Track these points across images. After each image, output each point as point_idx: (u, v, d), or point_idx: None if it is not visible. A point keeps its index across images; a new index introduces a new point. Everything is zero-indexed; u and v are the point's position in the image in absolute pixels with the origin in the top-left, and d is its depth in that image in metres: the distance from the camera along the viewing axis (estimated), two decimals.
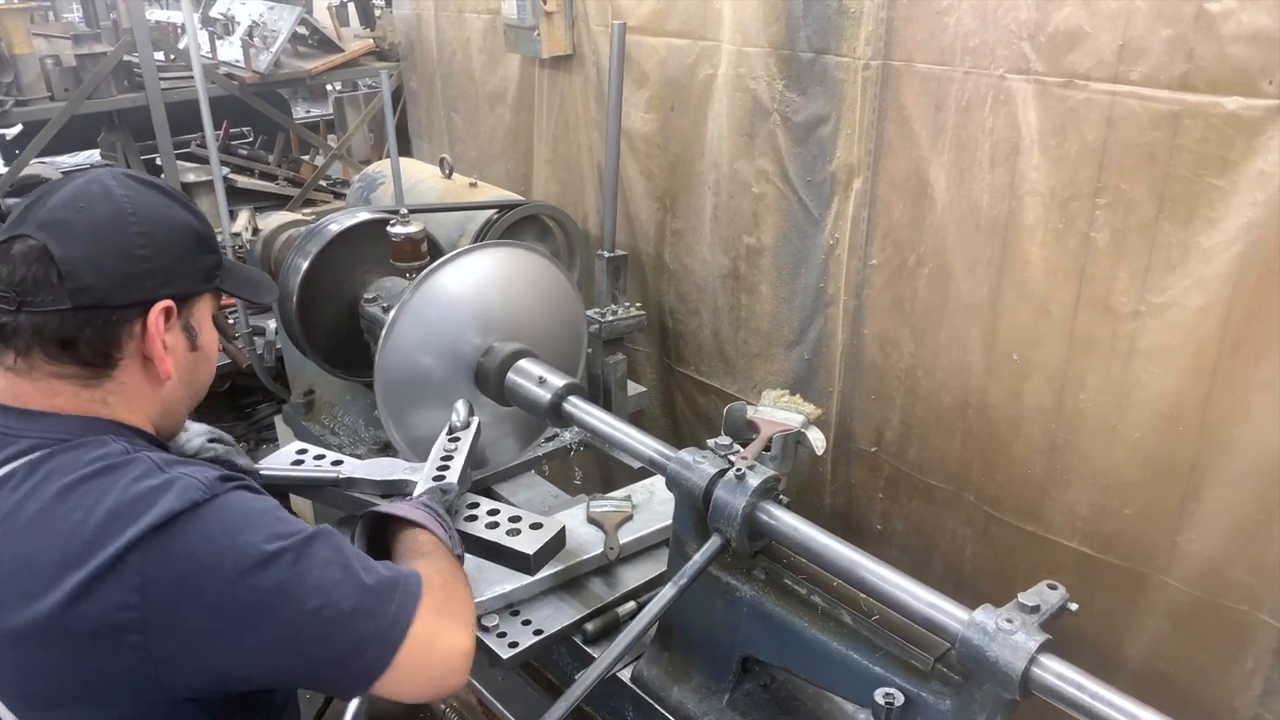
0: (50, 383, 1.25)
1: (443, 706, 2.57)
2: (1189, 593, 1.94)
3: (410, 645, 1.23)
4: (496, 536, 1.72)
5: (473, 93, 3.83)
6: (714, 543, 1.59)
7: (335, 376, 2.62)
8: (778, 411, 1.85)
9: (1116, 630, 2.07)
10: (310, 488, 1.89)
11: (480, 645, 1.89)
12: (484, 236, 2.88)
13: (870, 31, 2.21)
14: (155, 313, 1.28)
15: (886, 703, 1.40)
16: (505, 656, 1.83)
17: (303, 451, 1.92)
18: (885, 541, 2.58)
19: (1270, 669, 1.87)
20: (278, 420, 3.54)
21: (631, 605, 1.97)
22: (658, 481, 2.08)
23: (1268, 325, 1.71)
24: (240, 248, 3.22)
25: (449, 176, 3.13)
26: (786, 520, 1.55)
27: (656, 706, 1.77)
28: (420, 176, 3.24)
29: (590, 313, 2.58)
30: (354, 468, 1.85)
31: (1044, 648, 1.25)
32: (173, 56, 4.62)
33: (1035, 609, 1.30)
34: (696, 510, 1.63)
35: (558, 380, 1.97)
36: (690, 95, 2.76)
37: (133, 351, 1.29)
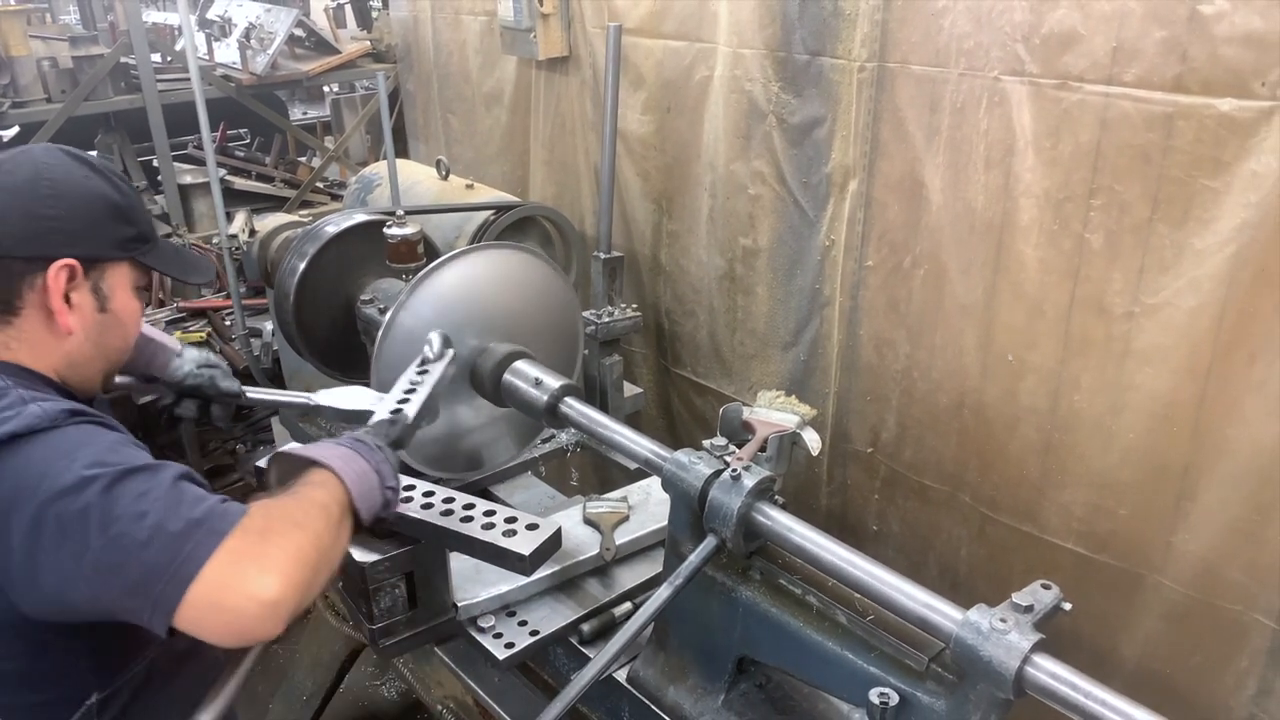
0: None
1: (438, 706, 2.57)
2: (1184, 593, 1.94)
3: (200, 585, 1.21)
4: (493, 537, 1.72)
5: (469, 94, 3.84)
6: (709, 543, 1.59)
7: (332, 378, 2.61)
8: (773, 412, 1.85)
9: (1112, 630, 2.08)
10: (286, 409, 2.04)
11: (477, 646, 1.89)
12: (481, 238, 2.88)
13: (865, 33, 2.22)
14: (55, 269, 1.38)
15: (881, 702, 1.40)
16: (501, 657, 1.83)
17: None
18: (881, 542, 2.58)
19: (1265, 669, 1.87)
20: (274, 422, 3.55)
21: (627, 606, 1.97)
22: (654, 482, 2.08)
23: (1261, 326, 1.71)
24: (237, 249, 3.23)
25: (445, 178, 3.13)
26: (781, 521, 1.55)
27: (652, 707, 1.77)
28: (417, 178, 3.24)
29: (587, 314, 2.58)
30: (324, 397, 1.97)
31: (1038, 647, 1.26)
32: (170, 58, 4.62)
33: (1029, 609, 1.30)
34: (692, 511, 1.64)
35: (554, 381, 1.97)
36: (686, 97, 2.76)
37: (34, 303, 1.39)
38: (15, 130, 4.47)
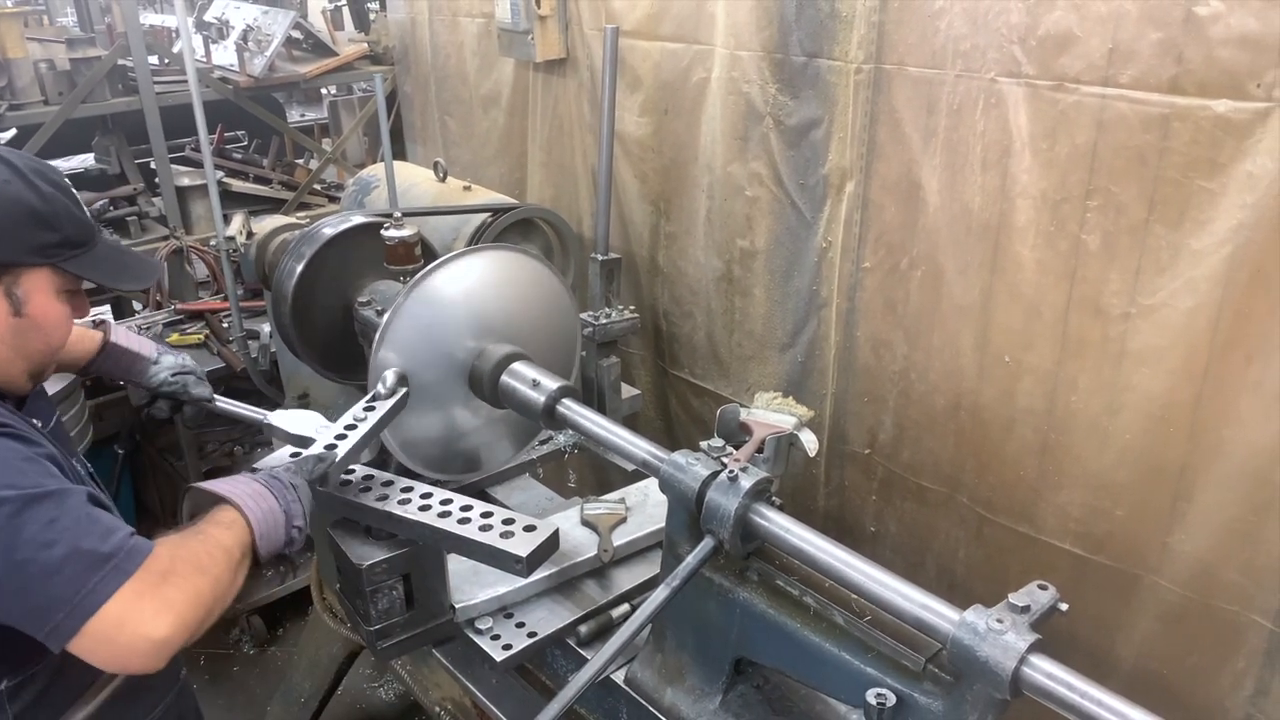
0: None
1: (436, 708, 2.57)
2: (1180, 593, 1.94)
3: (99, 621, 1.26)
4: (490, 539, 1.72)
5: (467, 97, 3.84)
6: (707, 544, 1.59)
7: (329, 380, 2.61)
8: (771, 414, 1.86)
9: (1109, 631, 2.08)
10: (245, 423, 2.23)
11: (474, 647, 1.89)
12: (478, 240, 2.88)
13: (862, 35, 2.22)
14: None
15: (878, 703, 1.41)
16: (499, 659, 1.83)
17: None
18: (879, 543, 2.59)
19: (1261, 669, 1.87)
20: None
21: (625, 607, 1.97)
22: (651, 484, 2.09)
23: (1257, 326, 1.72)
24: (234, 251, 3.23)
25: (443, 180, 3.13)
26: (779, 522, 1.55)
27: (650, 708, 1.77)
28: (414, 180, 3.24)
29: (584, 316, 2.58)
30: (277, 418, 2.15)
31: (1034, 648, 1.26)
32: (167, 60, 4.62)
33: (1026, 609, 1.30)
34: (689, 512, 1.64)
35: (552, 383, 1.97)
36: (684, 99, 2.77)
37: None
38: (13, 133, 4.46)
